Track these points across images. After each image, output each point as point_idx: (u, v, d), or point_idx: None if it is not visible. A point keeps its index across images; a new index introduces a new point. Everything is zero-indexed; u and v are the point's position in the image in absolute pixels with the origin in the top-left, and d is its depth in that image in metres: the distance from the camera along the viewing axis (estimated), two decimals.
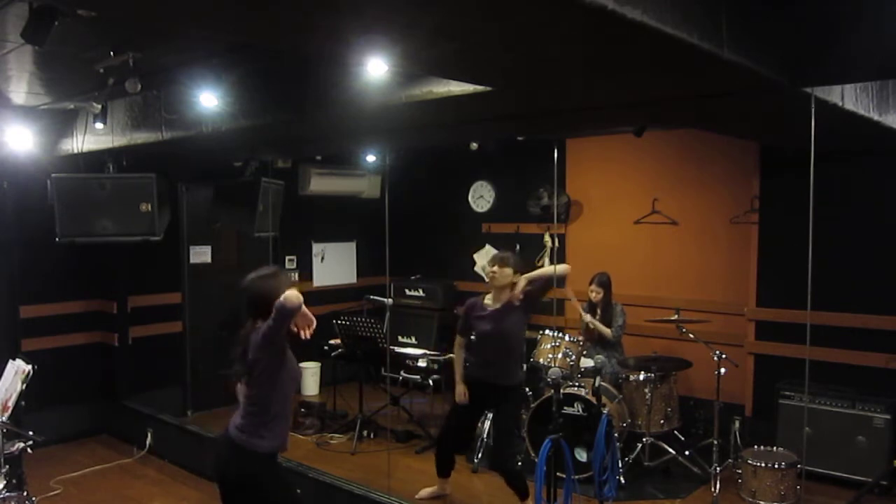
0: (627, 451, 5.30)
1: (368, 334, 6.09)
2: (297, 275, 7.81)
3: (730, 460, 5.19)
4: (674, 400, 5.46)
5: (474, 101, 3.29)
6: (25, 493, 4.18)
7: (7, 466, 4.02)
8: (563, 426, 3.86)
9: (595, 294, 5.83)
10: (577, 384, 5.25)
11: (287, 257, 7.73)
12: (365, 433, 6.16)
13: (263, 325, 3.07)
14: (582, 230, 7.05)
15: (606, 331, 5.75)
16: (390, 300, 6.69)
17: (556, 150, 6.69)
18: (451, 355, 6.71)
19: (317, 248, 8.04)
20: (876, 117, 3.59)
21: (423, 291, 7.72)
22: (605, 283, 5.84)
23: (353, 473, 5.21)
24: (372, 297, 6.42)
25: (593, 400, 4.88)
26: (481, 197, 7.88)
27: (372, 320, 6.14)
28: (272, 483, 3.26)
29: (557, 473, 3.83)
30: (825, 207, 4.17)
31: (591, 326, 5.73)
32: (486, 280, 4.85)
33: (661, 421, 5.38)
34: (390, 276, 7.11)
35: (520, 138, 6.52)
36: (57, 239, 5.39)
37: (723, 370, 4.97)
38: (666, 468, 5.30)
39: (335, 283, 8.15)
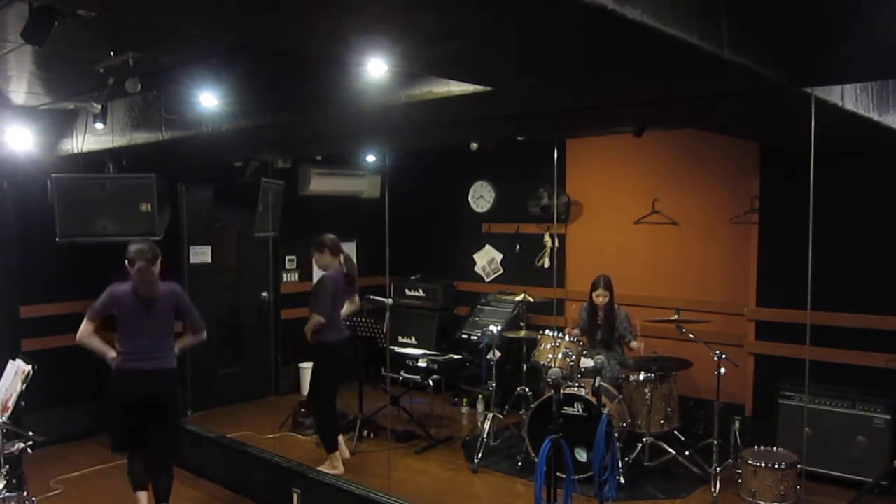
0: (627, 451, 5.30)
1: (368, 334, 6.09)
2: (297, 275, 7.82)
3: (730, 460, 5.18)
4: (674, 400, 5.46)
5: (474, 101, 3.29)
6: (25, 493, 4.18)
7: (7, 466, 4.02)
8: (563, 426, 3.85)
9: (603, 298, 5.81)
10: (577, 384, 5.25)
11: (287, 257, 7.73)
12: (365, 433, 6.15)
13: (178, 294, 4.62)
14: (582, 230, 7.05)
15: (637, 345, 5.74)
16: (390, 300, 6.68)
17: (556, 150, 6.69)
18: (452, 355, 6.76)
19: None
20: (876, 117, 3.59)
21: (423, 291, 7.73)
22: (609, 285, 5.83)
23: (353, 473, 5.21)
24: (372, 297, 6.41)
25: (593, 400, 4.88)
26: (481, 197, 7.88)
27: (372, 320, 6.15)
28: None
29: (557, 473, 3.83)
30: (825, 207, 4.18)
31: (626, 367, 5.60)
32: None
33: (661, 421, 5.38)
34: (390, 276, 7.11)
35: (520, 138, 6.52)
36: (57, 239, 5.39)
37: (723, 370, 4.96)
38: (666, 468, 5.30)
39: None
